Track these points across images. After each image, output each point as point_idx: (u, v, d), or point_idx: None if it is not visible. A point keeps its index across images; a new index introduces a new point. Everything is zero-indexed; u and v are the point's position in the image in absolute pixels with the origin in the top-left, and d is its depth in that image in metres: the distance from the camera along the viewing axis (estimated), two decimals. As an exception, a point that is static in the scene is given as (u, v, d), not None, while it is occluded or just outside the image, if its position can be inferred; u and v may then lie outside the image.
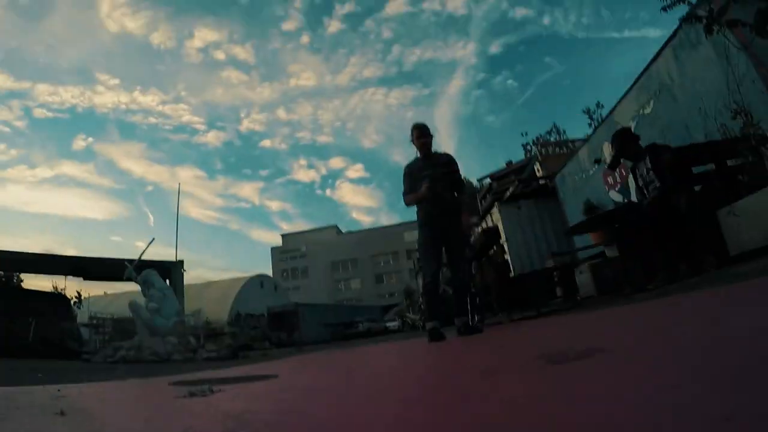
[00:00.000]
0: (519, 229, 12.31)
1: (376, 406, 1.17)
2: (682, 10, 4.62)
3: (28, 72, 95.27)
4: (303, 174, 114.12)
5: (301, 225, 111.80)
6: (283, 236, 78.89)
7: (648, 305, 3.20)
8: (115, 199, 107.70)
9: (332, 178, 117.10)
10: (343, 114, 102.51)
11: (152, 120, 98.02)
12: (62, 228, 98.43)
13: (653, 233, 4.79)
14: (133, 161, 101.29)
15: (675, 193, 4.56)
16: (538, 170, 16.18)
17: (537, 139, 28.74)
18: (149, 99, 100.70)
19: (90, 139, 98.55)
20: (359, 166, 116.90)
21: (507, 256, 11.03)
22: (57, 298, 18.33)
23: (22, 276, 24.60)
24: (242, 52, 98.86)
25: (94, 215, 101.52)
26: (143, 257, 12.44)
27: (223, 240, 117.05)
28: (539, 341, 2.52)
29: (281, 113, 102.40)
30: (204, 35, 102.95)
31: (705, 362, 0.96)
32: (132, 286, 11.97)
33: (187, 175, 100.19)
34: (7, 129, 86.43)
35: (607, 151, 8.33)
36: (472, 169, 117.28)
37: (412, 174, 4.50)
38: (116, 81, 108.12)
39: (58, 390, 2.41)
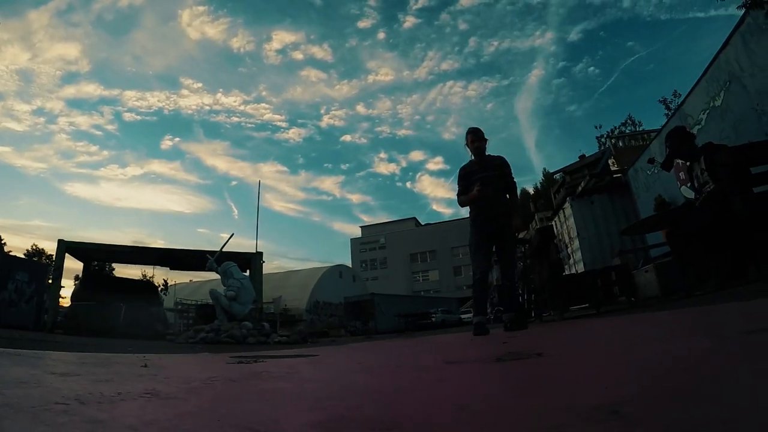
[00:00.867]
0: (592, 224, 11.98)
1: (366, 380, 1.55)
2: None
3: (117, 80, 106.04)
4: (383, 167, 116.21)
5: (381, 217, 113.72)
6: (363, 228, 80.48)
7: (677, 312, 3.22)
8: (201, 194, 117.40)
9: (412, 170, 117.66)
10: (422, 107, 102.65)
11: (235, 119, 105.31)
12: (151, 221, 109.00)
13: (705, 237, 4.62)
14: (217, 158, 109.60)
15: (731, 195, 4.36)
16: (612, 164, 15.50)
17: (611, 131, 27.02)
18: (231, 100, 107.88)
19: (177, 139, 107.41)
20: (439, 158, 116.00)
21: (562, 255, 10.80)
22: (145, 285, 20.77)
23: (114, 265, 28.08)
24: (320, 52, 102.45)
25: (181, 209, 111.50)
26: (224, 249, 13.77)
27: (304, 231, 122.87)
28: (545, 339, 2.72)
29: (361, 108, 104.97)
30: (282, 37, 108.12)
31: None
32: (216, 275, 13.18)
33: (270, 170, 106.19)
34: (99, 132, 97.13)
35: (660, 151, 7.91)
36: (554, 161, 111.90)
37: (466, 176, 4.73)
38: (199, 84, 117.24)
39: (144, 357, 3.09)
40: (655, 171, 9.95)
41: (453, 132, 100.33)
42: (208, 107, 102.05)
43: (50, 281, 16.35)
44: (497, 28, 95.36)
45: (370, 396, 1.21)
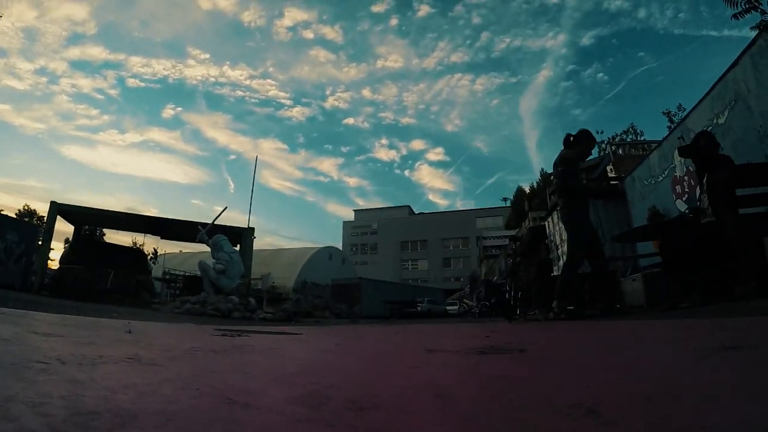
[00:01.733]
0: (584, 228, 12.07)
1: (347, 361, 1.56)
2: (755, 18, 4.37)
3: (123, 45, 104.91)
4: (383, 153, 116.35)
5: (375, 202, 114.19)
6: (356, 212, 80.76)
7: (659, 323, 3.26)
8: (198, 165, 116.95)
9: (412, 159, 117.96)
10: (428, 97, 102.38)
11: (239, 93, 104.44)
12: (146, 189, 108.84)
13: (695, 251, 4.67)
14: (218, 131, 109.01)
15: (724, 213, 4.40)
16: (610, 170, 15.56)
17: (612, 138, 27.05)
18: (237, 73, 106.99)
19: (179, 109, 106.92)
20: (440, 149, 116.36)
21: (552, 256, 10.87)
22: (135, 252, 20.66)
23: (105, 231, 27.93)
24: (331, 32, 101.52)
25: (177, 179, 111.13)
26: (216, 222, 13.71)
27: (297, 210, 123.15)
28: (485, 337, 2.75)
29: (366, 93, 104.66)
30: (294, 15, 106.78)
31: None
32: (206, 247, 13.15)
33: (270, 147, 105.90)
34: (101, 96, 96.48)
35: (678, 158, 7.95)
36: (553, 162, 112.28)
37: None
38: (206, 55, 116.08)
39: (129, 323, 3.09)
40: (653, 182, 10.00)
41: (456, 124, 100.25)
42: (213, 79, 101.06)
43: (40, 243, 16.24)
44: (510, 25, 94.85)
45: (349, 377, 1.21)
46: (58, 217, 16.51)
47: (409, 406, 0.82)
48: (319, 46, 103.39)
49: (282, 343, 2.19)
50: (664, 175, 9.46)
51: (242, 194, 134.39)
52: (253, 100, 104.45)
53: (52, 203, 16.32)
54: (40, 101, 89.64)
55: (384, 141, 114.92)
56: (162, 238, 21.50)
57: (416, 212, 78.41)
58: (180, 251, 40.63)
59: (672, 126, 21.31)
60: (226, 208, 14.78)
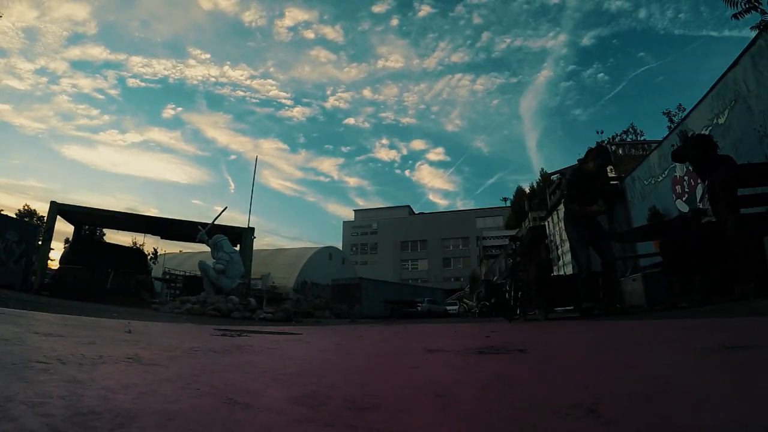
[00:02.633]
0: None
1: (347, 361, 1.56)
2: (755, 17, 4.37)
3: (124, 45, 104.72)
4: (384, 153, 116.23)
5: (375, 202, 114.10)
6: (356, 212, 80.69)
7: (659, 322, 3.26)
8: (199, 165, 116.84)
9: (412, 159, 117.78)
10: (428, 97, 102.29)
11: (240, 93, 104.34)
12: (146, 189, 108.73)
13: (695, 252, 4.67)
14: (218, 131, 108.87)
15: (724, 214, 4.40)
16: (610, 170, 15.62)
17: (612, 137, 27.02)
18: (238, 74, 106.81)
19: (179, 109, 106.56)
20: (440, 149, 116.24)
21: (552, 256, 10.87)
22: (135, 252, 20.64)
23: (105, 231, 27.91)
24: (331, 33, 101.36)
25: (177, 179, 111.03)
26: (216, 222, 13.71)
27: (297, 210, 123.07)
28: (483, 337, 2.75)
29: (367, 93, 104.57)
30: (294, 15, 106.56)
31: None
32: (206, 247, 13.15)
33: (270, 147, 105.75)
34: (101, 96, 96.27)
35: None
36: (553, 162, 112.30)
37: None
38: (207, 56, 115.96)
39: (129, 323, 3.09)
40: (652, 182, 10.00)
41: (456, 124, 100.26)
42: (213, 79, 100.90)
43: (40, 243, 16.23)
44: (511, 25, 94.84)
45: (349, 377, 1.21)
46: (58, 217, 16.49)
47: (409, 406, 0.82)
48: (319, 46, 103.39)
49: (282, 343, 2.19)
50: (664, 176, 9.45)
51: (242, 194, 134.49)
52: (254, 100, 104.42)
53: (52, 203, 16.31)
54: (41, 101, 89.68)
55: (384, 141, 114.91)
56: (162, 238, 21.48)
57: (416, 212, 78.39)
58: (180, 251, 40.61)
59: (672, 126, 21.32)
60: (226, 208, 14.81)
